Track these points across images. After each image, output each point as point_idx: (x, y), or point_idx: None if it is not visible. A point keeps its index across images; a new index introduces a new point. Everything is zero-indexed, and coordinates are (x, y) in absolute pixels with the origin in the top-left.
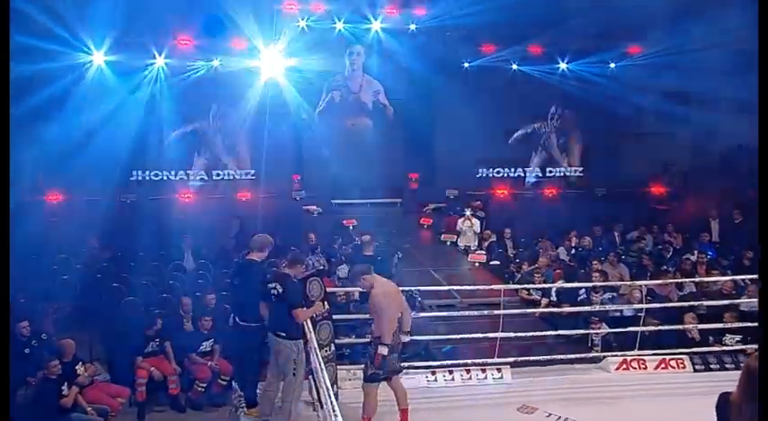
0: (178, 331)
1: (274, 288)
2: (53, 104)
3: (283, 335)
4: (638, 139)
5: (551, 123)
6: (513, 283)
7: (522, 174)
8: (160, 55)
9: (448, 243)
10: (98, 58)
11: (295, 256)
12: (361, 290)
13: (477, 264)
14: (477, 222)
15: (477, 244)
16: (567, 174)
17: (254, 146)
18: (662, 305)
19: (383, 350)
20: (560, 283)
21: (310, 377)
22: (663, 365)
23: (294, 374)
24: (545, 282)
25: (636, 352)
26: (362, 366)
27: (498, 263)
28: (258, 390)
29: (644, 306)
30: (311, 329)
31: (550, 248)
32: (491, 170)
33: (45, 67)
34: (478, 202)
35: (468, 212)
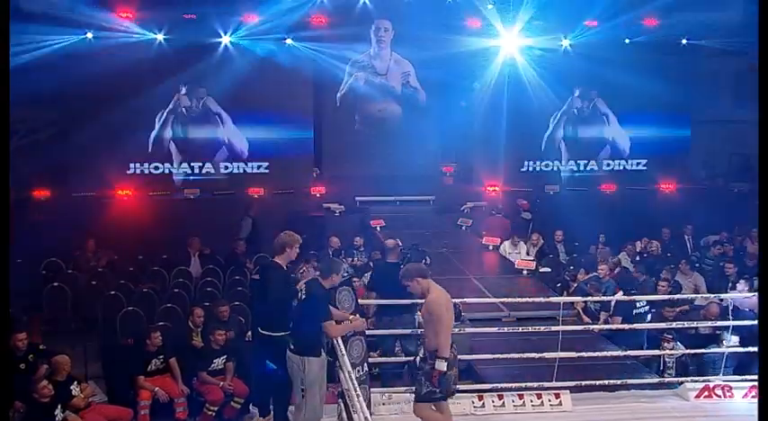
0: (185, 347)
1: (301, 290)
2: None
3: (292, 348)
4: (713, 127)
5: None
6: (568, 294)
7: (574, 168)
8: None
9: (490, 247)
10: None
11: (330, 264)
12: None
13: (525, 272)
14: (523, 248)
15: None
16: (628, 167)
17: (266, 136)
18: (744, 322)
19: (442, 365)
20: (619, 295)
21: (340, 401)
22: (753, 393)
23: (303, 396)
24: (605, 292)
25: (720, 377)
26: (402, 388)
27: (549, 270)
28: (289, 413)
29: (729, 323)
30: (341, 346)
31: (610, 254)
32: (538, 163)
33: None
34: (525, 202)
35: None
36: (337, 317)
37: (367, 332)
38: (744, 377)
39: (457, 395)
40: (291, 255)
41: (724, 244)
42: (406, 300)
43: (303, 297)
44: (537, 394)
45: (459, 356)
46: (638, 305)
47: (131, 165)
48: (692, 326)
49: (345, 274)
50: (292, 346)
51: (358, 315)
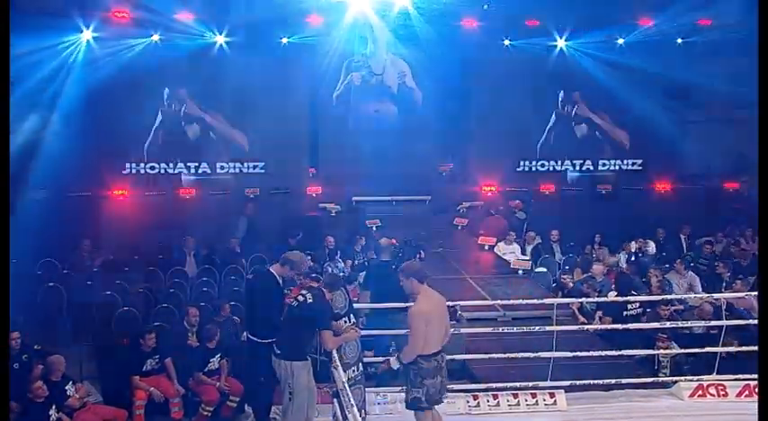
0: (181, 346)
1: (305, 294)
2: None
3: (279, 353)
4: (708, 127)
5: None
6: (563, 294)
7: (570, 168)
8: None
9: (486, 247)
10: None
11: (333, 281)
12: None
13: (520, 272)
14: (517, 248)
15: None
16: (624, 167)
17: (263, 135)
18: (740, 322)
19: (394, 363)
20: (613, 295)
21: (335, 400)
22: (747, 392)
23: (290, 399)
24: (600, 292)
25: (714, 376)
26: (396, 388)
27: (545, 270)
28: (272, 415)
29: (722, 323)
30: None
31: (607, 254)
32: (534, 163)
33: None
34: (518, 201)
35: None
36: (334, 327)
37: (362, 332)
38: (737, 376)
39: (452, 394)
40: (288, 274)
41: (715, 243)
42: (394, 303)
43: (310, 301)
44: (532, 393)
45: (454, 356)
46: (629, 307)
47: (127, 165)
48: (686, 325)
49: (342, 274)
50: (279, 351)
51: (352, 315)
